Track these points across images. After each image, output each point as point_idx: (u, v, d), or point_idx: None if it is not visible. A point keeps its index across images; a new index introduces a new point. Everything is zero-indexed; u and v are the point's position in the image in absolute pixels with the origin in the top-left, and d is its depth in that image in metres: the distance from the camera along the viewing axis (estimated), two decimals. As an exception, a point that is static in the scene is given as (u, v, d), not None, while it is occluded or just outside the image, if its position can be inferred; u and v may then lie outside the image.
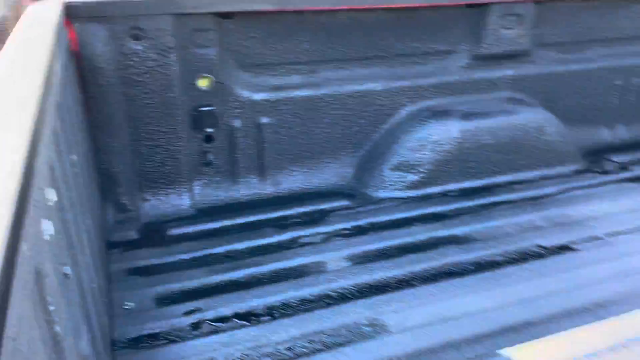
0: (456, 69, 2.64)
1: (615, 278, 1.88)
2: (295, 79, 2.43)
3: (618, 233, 2.16)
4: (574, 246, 2.08)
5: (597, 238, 2.13)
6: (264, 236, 2.15)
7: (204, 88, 2.25)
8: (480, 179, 2.55)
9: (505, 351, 1.56)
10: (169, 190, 2.31)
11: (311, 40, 2.38)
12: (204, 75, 2.23)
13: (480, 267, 1.95)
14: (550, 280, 1.88)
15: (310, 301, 1.78)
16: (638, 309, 1.72)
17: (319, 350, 1.57)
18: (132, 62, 2.06)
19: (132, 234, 2.14)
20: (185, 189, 2.33)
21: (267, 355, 1.55)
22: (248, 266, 1.96)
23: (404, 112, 2.55)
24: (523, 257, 2.01)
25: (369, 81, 2.50)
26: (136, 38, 2.04)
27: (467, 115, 2.54)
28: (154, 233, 2.17)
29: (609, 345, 1.57)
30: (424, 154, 2.47)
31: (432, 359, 1.54)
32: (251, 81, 2.37)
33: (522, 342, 1.59)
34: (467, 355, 1.55)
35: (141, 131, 2.18)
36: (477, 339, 1.61)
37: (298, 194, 2.46)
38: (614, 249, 2.06)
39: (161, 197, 2.30)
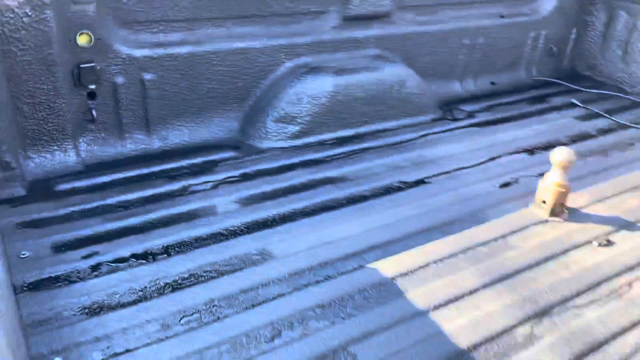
0: (328, 28, 2.89)
1: (459, 203, 2.29)
2: (176, 35, 2.52)
3: (462, 168, 2.59)
4: (428, 180, 2.47)
5: (446, 173, 2.54)
6: (155, 187, 2.27)
7: (84, 45, 2.27)
8: (352, 128, 2.85)
9: (372, 265, 1.88)
10: (54, 148, 2.32)
11: (189, -3, 2.49)
12: (83, 32, 2.25)
13: (352, 201, 2.26)
14: (409, 207, 2.23)
15: (204, 239, 1.96)
16: (475, 226, 2.12)
17: (214, 277, 1.77)
18: (7, 19, 2.03)
19: (19, 191, 2.14)
20: (71, 146, 2.36)
21: (167, 286, 1.72)
22: (141, 214, 2.08)
23: (282, 69, 2.76)
24: (387, 191, 2.35)
25: (249, 39, 2.66)
26: (10, -8, 2.01)
27: (339, 71, 2.81)
28: (42, 189, 2.19)
29: (451, 253, 1.95)
30: (302, 107, 2.71)
31: (312, 275, 1.81)
32: (131, 38, 2.42)
33: (385, 257, 1.92)
34: (341, 270, 1.84)
35: (21, 88, 2.16)
36: (349, 257, 1.91)
37: (185, 147, 2.59)
38: (459, 181, 2.47)
39: (46, 155, 2.31)
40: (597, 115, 3.30)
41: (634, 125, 3.18)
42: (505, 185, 2.46)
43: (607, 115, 3.28)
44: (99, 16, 2.27)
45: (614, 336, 1.65)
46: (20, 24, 2.07)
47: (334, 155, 2.64)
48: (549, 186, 2.19)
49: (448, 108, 3.26)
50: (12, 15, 2.04)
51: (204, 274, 1.78)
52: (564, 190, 2.17)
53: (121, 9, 2.35)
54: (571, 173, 2.47)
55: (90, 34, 2.25)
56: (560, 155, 2.14)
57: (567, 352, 1.57)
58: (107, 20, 2.32)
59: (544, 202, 2.22)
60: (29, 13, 2.07)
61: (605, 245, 2.07)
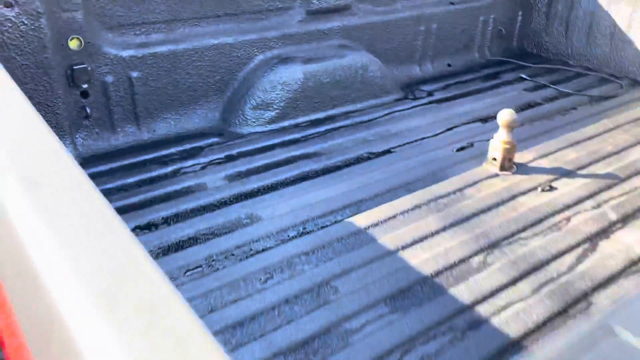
0: (294, 22, 3.17)
1: (421, 166, 2.59)
2: (157, 36, 2.78)
3: (423, 138, 2.89)
4: (393, 150, 2.76)
5: (409, 143, 2.84)
6: (149, 171, 2.52)
7: (75, 48, 2.51)
8: (323, 111, 3.13)
9: (347, 219, 2.16)
10: (54, 144, 2.55)
11: (167, 1, 2.74)
12: (74, 36, 2.49)
13: (327, 171, 2.54)
14: (377, 172, 2.52)
15: (198, 210, 2.22)
16: (436, 183, 2.42)
17: (211, 239, 2.03)
18: (6, 28, 2.26)
19: (27, 183, 2.37)
20: (69, 142, 2.59)
21: (171, 248, 1.98)
22: (140, 194, 2.33)
23: (256, 61, 3.03)
24: (357, 160, 2.64)
25: (223, 36, 2.93)
26: (8, 5, 2.24)
27: (307, 60, 3.09)
28: (47, 181, 2.42)
29: (415, 205, 2.25)
30: (277, 94, 2.98)
31: (295, 231, 2.08)
32: (117, 40, 2.67)
33: (358, 213, 2.20)
34: (321, 225, 2.12)
35: (21, 91, 2.38)
36: (327, 215, 2.19)
37: (173, 137, 2.84)
38: (421, 148, 2.77)
39: (47, 150, 2.53)
40: (543, 87, 3.64)
41: (575, 92, 3.53)
42: (462, 149, 2.77)
43: (552, 86, 3.63)
44: (87, 22, 2.51)
45: (554, 258, 1.96)
46: (18, 32, 2.30)
47: (309, 135, 2.92)
48: (497, 144, 2.50)
49: (409, 89, 3.56)
50: (10, 25, 2.28)
51: (202, 237, 2.04)
52: (510, 146, 2.48)
53: (106, 14, 2.59)
54: (519, 135, 2.80)
55: (80, 38, 2.49)
56: (504, 116, 2.45)
57: (513, 272, 1.87)
58: (94, 26, 2.56)
59: (494, 159, 2.53)
60: (25, 22, 2.31)
61: (548, 190, 2.39)
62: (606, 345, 0.61)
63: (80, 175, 0.86)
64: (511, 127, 2.46)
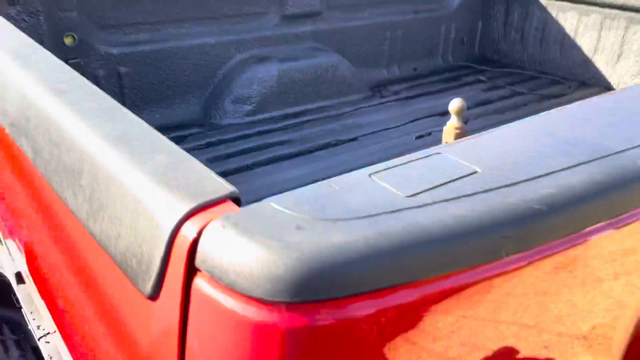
0: (270, 26, 3.49)
1: (382, 151, 2.89)
2: (144, 35, 3.06)
3: (387, 129, 3.20)
4: (359, 138, 3.06)
5: (374, 132, 3.14)
6: (136, 155, 2.78)
7: (69, 44, 2.78)
8: (297, 106, 3.43)
9: (315, 192, 2.44)
10: (49, 131, 2.80)
11: (153, 4, 3.03)
12: (69, 34, 2.76)
13: (299, 154, 2.83)
14: (343, 156, 2.82)
15: (182, 185, 2.48)
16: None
17: (193, 207, 2.29)
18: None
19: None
20: (63, 129, 2.85)
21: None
22: (129, 173, 2.59)
23: (235, 60, 3.33)
24: (326, 146, 2.93)
25: (204, 37, 3.22)
26: (10, 4, 2.51)
27: (282, 60, 3.40)
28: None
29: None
30: (254, 89, 3.27)
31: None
32: (108, 38, 2.94)
33: (325, 188, 2.48)
34: (291, 197, 2.39)
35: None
36: (297, 187, 2.46)
37: (158, 128, 3.10)
38: (383, 137, 3.08)
39: (43, 137, 2.78)
40: (499, 87, 4.00)
41: (528, 92, 3.89)
42: (420, 137, 3.08)
43: (507, 86, 3.99)
44: (81, 21, 2.79)
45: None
46: (20, 29, 2.56)
47: (283, 126, 3.21)
48: (449, 130, 2.81)
49: (377, 89, 3.88)
50: (12, 22, 2.53)
51: (185, 206, 2.30)
52: (460, 131, 2.79)
53: (98, 15, 2.87)
54: (474, 126, 3.13)
55: (74, 35, 2.76)
56: (454, 104, 2.77)
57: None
58: (87, 25, 2.84)
59: (447, 143, 2.84)
60: (26, 19, 2.57)
61: (494, 169, 2.70)
62: (431, 159, 0.88)
63: (95, 88, 1.13)
64: (461, 113, 2.77)
